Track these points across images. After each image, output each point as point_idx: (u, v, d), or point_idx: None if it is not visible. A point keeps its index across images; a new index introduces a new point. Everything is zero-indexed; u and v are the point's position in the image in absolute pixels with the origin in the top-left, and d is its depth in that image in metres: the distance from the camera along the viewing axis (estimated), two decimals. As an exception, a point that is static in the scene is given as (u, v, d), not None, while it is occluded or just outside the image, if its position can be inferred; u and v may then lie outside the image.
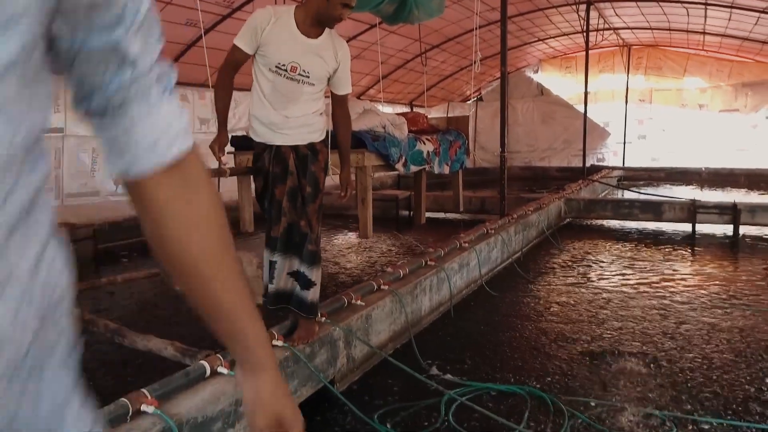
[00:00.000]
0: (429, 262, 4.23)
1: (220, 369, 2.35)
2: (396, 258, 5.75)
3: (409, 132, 5.63)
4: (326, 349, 2.87)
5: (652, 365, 3.28)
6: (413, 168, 5.57)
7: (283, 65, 2.71)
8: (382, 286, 3.60)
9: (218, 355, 2.41)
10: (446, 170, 6.30)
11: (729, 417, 2.67)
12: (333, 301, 3.23)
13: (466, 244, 4.87)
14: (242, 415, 2.31)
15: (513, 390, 3.00)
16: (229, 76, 2.83)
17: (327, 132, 3.00)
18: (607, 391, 2.98)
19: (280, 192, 2.79)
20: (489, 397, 2.93)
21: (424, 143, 5.72)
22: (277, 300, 2.80)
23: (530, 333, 3.87)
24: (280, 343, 2.65)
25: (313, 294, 2.81)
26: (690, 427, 2.61)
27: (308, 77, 2.76)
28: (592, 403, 2.84)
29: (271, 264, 2.79)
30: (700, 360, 3.35)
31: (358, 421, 2.65)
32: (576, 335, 3.79)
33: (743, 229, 7.19)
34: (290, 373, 2.59)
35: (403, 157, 5.24)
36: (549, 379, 3.14)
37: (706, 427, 2.60)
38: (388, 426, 2.63)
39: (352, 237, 7.04)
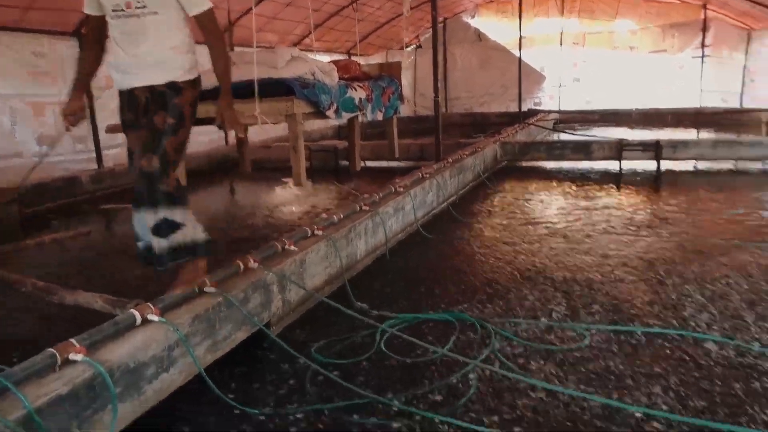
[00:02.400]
0: (363, 207, 4.31)
1: (151, 317, 2.37)
2: (333, 206, 5.81)
3: (340, 79, 5.61)
4: (260, 293, 2.93)
5: (573, 287, 3.52)
6: (345, 115, 5.57)
7: (118, 5, 2.57)
8: (316, 232, 3.65)
9: (148, 304, 2.43)
10: (379, 116, 6.32)
11: (637, 325, 2.92)
12: (266, 247, 3.27)
13: (401, 189, 4.96)
14: (176, 359, 2.37)
15: (443, 318, 3.17)
16: (89, 40, 2.73)
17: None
18: (532, 312, 3.19)
19: (133, 140, 2.62)
20: (424, 328, 3.08)
21: (356, 90, 5.71)
22: (152, 257, 2.66)
23: (463, 269, 4.05)
24: (212, 289, 2.69)
25: (183, 235, 2.65)
26: (603, 337, 2.84)
27: (145, 7, 2.57)
28: (518, 322, 3.05)
29: (140, 219, 2.64)
30: (618, 281, 3.60)
31: (294, 361, 2.74)
32: (506, 267, 3.98)
33: (666, 164, 7.59)
34: (223, 318, 2.64)
35: (335, 104, 5.23)
36: (479, 306, 3.32)
37: (606, 335, 2.84)
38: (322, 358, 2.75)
39: (287, 187, 7.04)
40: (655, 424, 2.15)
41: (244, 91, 4.40)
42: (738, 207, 5.54)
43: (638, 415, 2.21)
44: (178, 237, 2.64)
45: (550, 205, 5.98)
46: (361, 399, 2.39)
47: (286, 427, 2.25)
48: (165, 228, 2.60)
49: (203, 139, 8.76)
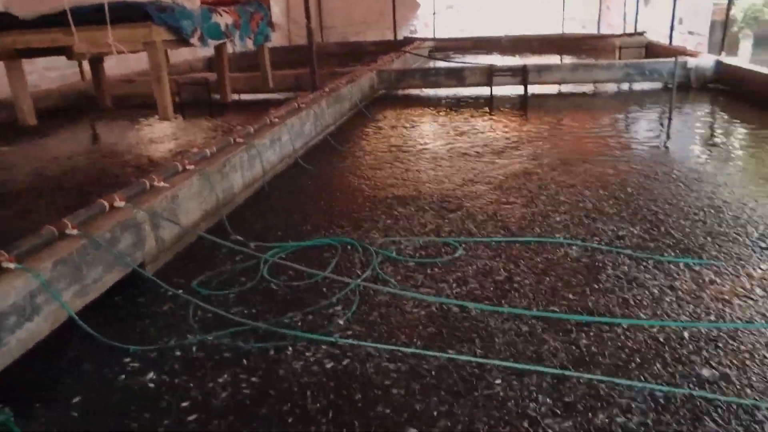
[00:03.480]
0: (238, 140, 4.18)
1: (6, 264, 2.20)
2: (206, 141, 5.57)
3: (202, 3, 5.25)
4: (130, 233, 2.79)
5: (447, 205, 3.69)
6: (211, 42, 5.26)
7: None
8: (187, 167, 3.50)
9: (2, 251, 2.24)
10: (249, 44, 6.05)
11: (503, 235, 3.15)
12: (133, 185, 3.09)
13: (277, 120, 4.85)
14: (41, 306, 2.23)
15: (325, 243, 3.23)
16: None
17: None
18: (409, 230, 3.32)
19: None
20: (307, 254, 3.11)
21: (221, 15, 5.38)
22: None
23: (343, 196, 4.10)
24: (74, 231, 2.53)
25: None
26: (472, 246, 3.04)
27: None
28: (397, 240, 3.17)
29: None
30: (488, 197, 3.83)
31: (175, 297, 2.68)
32: (384, 191, 4.09)
33: (532, 89, 8.01)
34: (91, 261, 2.50)
35: (199, 31, 4.90)
36: (360, 229, 3.40)
37: (476, 246, 3.05)
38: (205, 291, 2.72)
39: (155, 123, 6.62)
40: (524, 322, 2.37)
41: (94, 16, 3.99)
42: (595, 126, 6.02)
43: (509, 317, 2.42)
44: None
45: (426, 130, 6.14)
46: (242, 326, 2.41)
47: (169, 361, 2.22)
48: None
49: (53, 74, 7.91)
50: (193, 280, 2.88)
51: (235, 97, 8.11)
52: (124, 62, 7.73)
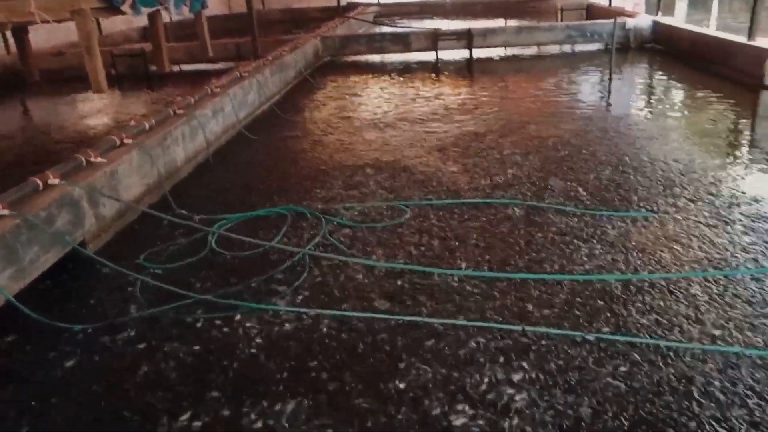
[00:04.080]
0: (178, 111, 4.04)
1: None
2: (145, 114, 5.38)
3: (133, -31, 5.00)
4: (67, 211, 2.69)
5: (394, 170, 3.70)
6: (144, 10, 5.04)
7: None
8: (125, 141, 3.38)
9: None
10: (185, 11, 5.82)
11: (451, 197, 3.19)
12: (67, 162, 2.97)
13: (218, 90, 4.71)
14: (-26, 292, 2.13)
15: (274, 212, 3.19)
16: None
17: None
18: (358, 196, 3.31)
19: None
20: (257, 224, 3.07)
21: (153, -19, 5.16)
22: None
23: (291, 164, 4.04)
24: (5, 211, 2.41)
25: None
26: (420, 209, 3.06)
27: None
28: (346, 207, 3.17)
29: None
30: (433, 160, 3.85)
31: (120, 274, 2.61)
32: (332, 158, 4.05)
33: (478, 53, 8.03)
34: (26, 241, 2.40)
35: (130, -2, 4.69)
36: (309, 196, 3.37)
37: (424, 209, 3.08)
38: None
39: (89, 97, 6.33)
40: (473, 281, 2.42)
41: (14, -17, 3.74)
42: (539, 88, 6.10)
43: (457, 277, 2.46)
44: None
45: (372, 97, 6.09)
46: (189, 299, 2.37)
47: (116, 337, 2.18)
48: None
49: (-24, 48, 7.43)
50: (138, 256, 2.80)
51: (174, 67, 7.83)
52: (54, 33, 7.34)
